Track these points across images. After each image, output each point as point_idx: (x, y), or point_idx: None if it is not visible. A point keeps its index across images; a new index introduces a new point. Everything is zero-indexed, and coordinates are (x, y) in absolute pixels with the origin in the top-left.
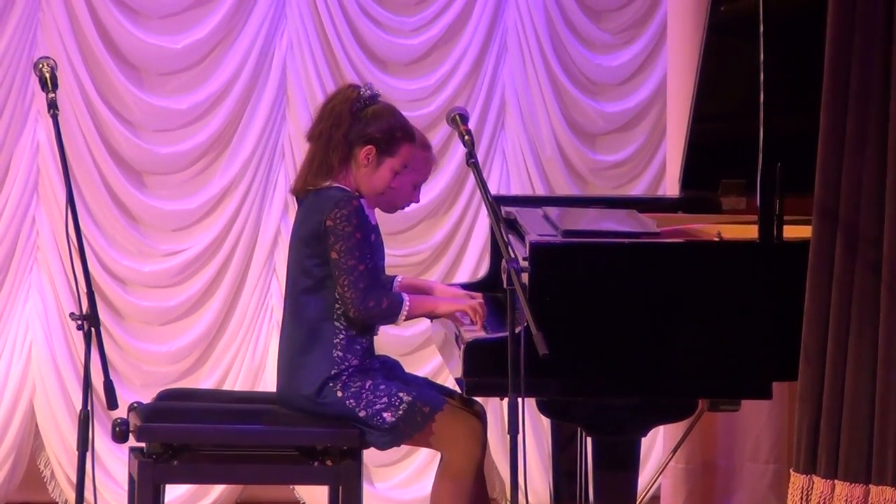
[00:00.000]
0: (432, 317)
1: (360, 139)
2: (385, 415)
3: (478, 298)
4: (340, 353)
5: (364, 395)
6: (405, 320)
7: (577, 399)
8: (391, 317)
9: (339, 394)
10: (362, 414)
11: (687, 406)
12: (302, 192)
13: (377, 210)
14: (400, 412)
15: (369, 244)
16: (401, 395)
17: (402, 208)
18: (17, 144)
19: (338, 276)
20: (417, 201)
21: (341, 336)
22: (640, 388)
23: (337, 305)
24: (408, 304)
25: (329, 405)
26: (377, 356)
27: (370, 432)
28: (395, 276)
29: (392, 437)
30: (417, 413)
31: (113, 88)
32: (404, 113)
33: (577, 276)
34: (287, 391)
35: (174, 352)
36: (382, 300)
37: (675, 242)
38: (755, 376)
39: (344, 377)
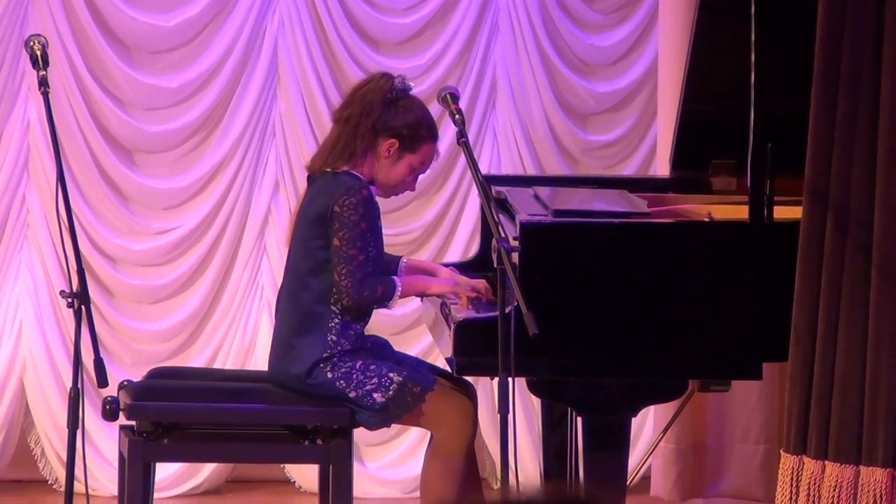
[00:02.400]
0: (423, 295)
1: (385, 130)
2: (375, 395)
3: (480, 283)
4: (334, 338)
5: (354, 376)
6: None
7: (568, 379)
8: (384, 301)
9: (330, 375)
10: (353, 395)
11: (677, 386)
12: (319, 171)
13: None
14: (390, 393)
15: (374, 232)
16: (391, 375)
17: (397, 194)
18: (8, 122)
19: (336, 262)
20: (412, 189)
21: (337, 321)
22: (631, 368)
23: (335, 289)
24: (399, 288)
25: (319, 386)
26: (368, 336)
27: (361, 412)
28: (400, 258)
29: (382, 417)
30: (408, 393)
31: (104, 66)
32: None
33: (567, 255)
34: (278, 370)
35: (165, 330)
36: (377, 288)
37: (665, 222)
38: (745, 357)
39: (335, 359)
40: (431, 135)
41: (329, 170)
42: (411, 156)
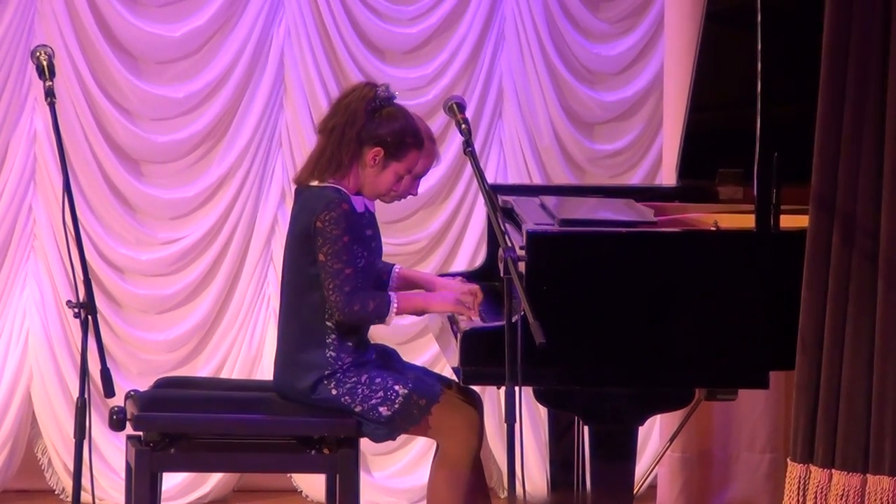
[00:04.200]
0: (424, 313)
1: (370, 139)
2: (381, 409)
3: (474, 288)
4: (333, 354)
5: (359, 391)
6: (395, 316)
7: (575, 388)
8: (378, 318)
9: (334, 391)
10: (358, 409)
11: (684, 395)
12: (305, 183)
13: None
14: (396, 406)
15: (361, 243)
16: (397, 388)
17: (401, 199)
18: (14, 133)
19: (324, 278)
20: (415, 194)
21: (333, 336)
22: (638, 377)
23: (328, 305)
24: (395, 304)
25: (324, 401)
26: (373, 345)
27: (367, 425)
28: (393, 266)
29: (388, 430)
30: (413, 406)
31: (110, 77)
32: (401, 102)
33: (573, 265)
34: (283, 384)
35: (171, 340)
36: (368, 303)
37: (671, 232)
38: (752, 366)
39: (338, 375)
40: (417, 142)
41: (315, 183)
42: (397, 164)
